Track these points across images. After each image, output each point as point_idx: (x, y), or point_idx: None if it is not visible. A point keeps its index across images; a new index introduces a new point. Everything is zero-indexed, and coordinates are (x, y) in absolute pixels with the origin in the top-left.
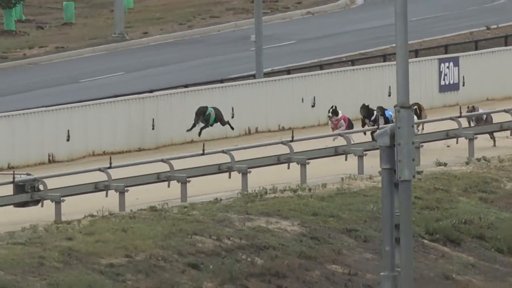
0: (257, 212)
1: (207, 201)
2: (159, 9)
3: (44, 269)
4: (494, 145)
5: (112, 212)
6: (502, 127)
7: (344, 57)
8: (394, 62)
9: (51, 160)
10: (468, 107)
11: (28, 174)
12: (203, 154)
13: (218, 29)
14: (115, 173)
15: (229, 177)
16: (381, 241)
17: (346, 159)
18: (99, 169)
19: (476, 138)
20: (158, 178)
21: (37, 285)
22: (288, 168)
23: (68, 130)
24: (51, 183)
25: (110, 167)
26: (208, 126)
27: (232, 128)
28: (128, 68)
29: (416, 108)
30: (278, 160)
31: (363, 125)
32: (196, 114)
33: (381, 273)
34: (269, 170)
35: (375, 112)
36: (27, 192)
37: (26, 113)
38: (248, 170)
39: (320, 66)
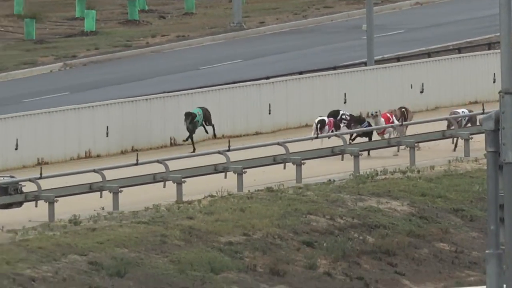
0: (369, 192)
1: (321, 182)
2: (275, 0)
3: (166, 246)
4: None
5: (231, 192)
6: None
7: (451, 45)
8: (499, 50)
9: (173, 144)
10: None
11: (11, 177)
12: (317, 137)
13: (331, 18)
14: (234, 156)
15: (342, 159)
16: (486, 220)
17: (453, 143)
18: (219, 152)
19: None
20: (274, 160)
21: (159, 262)
22: (398, 151)
23: None
24: (174, 165)
25: (228, 150)
26: (194, 132)
27: (215, 135)
28: (245, 56)
29: (403, 111)
30: (389, 143)
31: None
32: (185, 117)
33: (487, 251)
34: (380, 153)
35: (341, 113)
36: (11, 194)
37: (149, 99)
38: (359, 152)
39: (428, 54)
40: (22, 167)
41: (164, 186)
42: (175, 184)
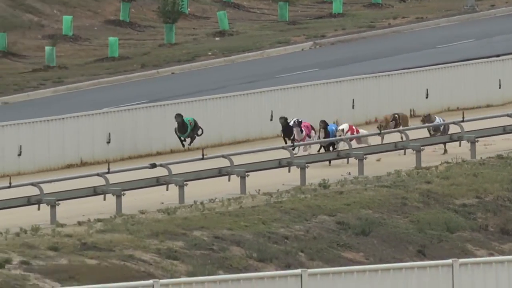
0: None
1: None
2: None
3: (406, 208)
4: (444, 152)
5: (465, 159)
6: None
7: None
8: None
9: (412, 115)
10: (424, 116)
11: None
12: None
13: None
14: (468, 126)
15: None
16: None
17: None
18: (453, 123)
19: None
20: (504, 130)
21: (400, 222)
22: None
23: (427, 89)
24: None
25: (463, 121)
26: (189, 135)
27: (190, 144)
28: (477, 36)
29: (396, 117)
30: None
31: (284, 139)
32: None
33: None
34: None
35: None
36: None
37: (391, 74)
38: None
39: None
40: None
41: (405, 153)
42: (414, 152)
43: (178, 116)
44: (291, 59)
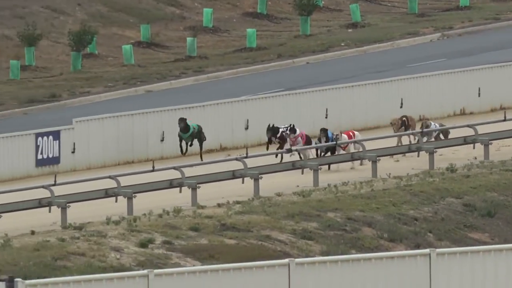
0: None
1: None
2: None
3: None
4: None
5: None
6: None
7: None
8: None
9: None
10: (422, 124)
11: None
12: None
13: None
14: None
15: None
16: None
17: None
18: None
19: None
20: None
21: None
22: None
23: None
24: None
25: None
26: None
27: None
28: None
29: (404, 120)
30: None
31: (268, 146)
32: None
33: None
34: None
35: (280, 130)
36: None
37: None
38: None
39: None
40: None
41: None
42: None
43: (181, 121)
44: (420, 50)
